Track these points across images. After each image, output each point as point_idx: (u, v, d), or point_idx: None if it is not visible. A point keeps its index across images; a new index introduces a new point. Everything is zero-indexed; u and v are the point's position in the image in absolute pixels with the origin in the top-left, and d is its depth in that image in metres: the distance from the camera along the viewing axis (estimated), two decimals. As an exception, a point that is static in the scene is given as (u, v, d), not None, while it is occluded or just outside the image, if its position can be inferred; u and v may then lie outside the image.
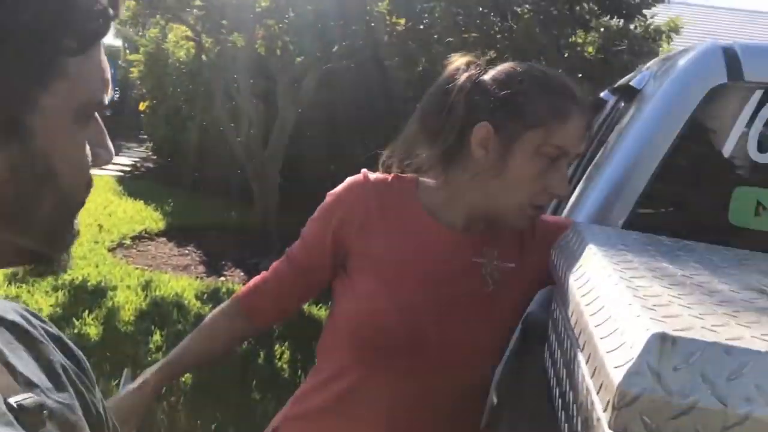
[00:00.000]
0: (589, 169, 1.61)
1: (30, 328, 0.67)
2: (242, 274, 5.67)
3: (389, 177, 1.27)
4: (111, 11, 0.55)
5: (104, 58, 0.58)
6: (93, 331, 4.02)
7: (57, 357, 0.68)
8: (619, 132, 1.55)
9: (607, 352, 0.60)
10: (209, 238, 6.75)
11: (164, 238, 6.68)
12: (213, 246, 6.53)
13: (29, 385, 0.61)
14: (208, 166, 8.97)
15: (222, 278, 5.66)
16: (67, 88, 0.53)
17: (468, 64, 1.21)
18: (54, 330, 0.72)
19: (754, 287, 0.77)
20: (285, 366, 3.97)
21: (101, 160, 0.60)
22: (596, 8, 5.90)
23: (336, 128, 7.12)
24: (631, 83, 1.73)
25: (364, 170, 1.27)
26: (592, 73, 5.96)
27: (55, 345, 0.70)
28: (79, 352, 0.73)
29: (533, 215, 1.19)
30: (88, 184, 0.60)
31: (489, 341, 1.20)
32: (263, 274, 1.34)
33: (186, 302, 4.74)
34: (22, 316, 0.68)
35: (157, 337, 4.03)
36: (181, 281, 5.23)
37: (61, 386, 0.66)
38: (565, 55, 5.78)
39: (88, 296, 4.57)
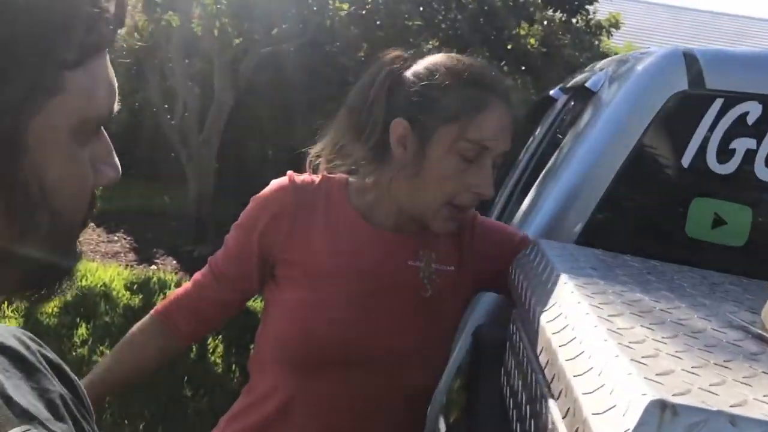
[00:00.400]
0: (543, 173, 1.56)
1: (28, 355, 0.65)
2: (175, 262, 5.47)
3: (317, 178, 1.20)
4: (114, 19, 0.51)
5: (110, 68, 0.53)
6: (13, 323, 3.80)
7: (55, 386, 0.65)
8: (574, 136, 1.50)
9: (594, 414, 0.52)
10: (140, 224, 6.48)
11: (91, 224, 6.40)
12: (144, 232, 6.28)
13: (26, 416, 0.59)
14: (139, 149, 8.64)
15: (153, 267, 5.45)
16: (64, 104, 0.49)
17: (394, 59, 1.15)
18: (53, 356, 0.69)
19: (736, 324, 0.71)
20: (218, 361, 3.84)
21: (106, 178, 0.56)
22: (540, 1, 5.91)
23: (275, 112, 6.96)
24: (586, 84, 1.68)
25: (289, 172, 1.20)
26: (534, 66, 5.98)
27: (53, 373, 0.67)
28: (77, 380, 0.70)
29: (455, 216, 1.12)
30: (90, 203, 0.56)
31: (427, 348, 1.15)
32: (185, 285, 1.26)
33: (115, 293, 4.52)
34: (21, 342, 0.65)
35: (82, 330, 3.84)
36: (110, 270, 5.00)
37: (60, 417, 0.63)
38: (509, 47, 5.77)
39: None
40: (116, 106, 0.55)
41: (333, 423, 1.15)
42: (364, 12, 5.68)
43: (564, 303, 0.72)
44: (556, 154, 1.56)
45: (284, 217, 1.16)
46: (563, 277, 0.79)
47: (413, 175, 1.10)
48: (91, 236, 6.04)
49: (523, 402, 0.80)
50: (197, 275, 1.24)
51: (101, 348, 3.65)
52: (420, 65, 1.13)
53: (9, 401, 0.59)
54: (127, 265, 5.36)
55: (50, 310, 4.01)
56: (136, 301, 4.45)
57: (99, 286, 4.57)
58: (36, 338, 0.69)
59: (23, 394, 0.61)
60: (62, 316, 3.99)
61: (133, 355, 1.22)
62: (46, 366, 0.67)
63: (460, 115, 1.07)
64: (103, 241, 5.98)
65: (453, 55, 1.16)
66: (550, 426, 0.64)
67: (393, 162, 1.12)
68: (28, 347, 0.66)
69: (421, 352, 1.14)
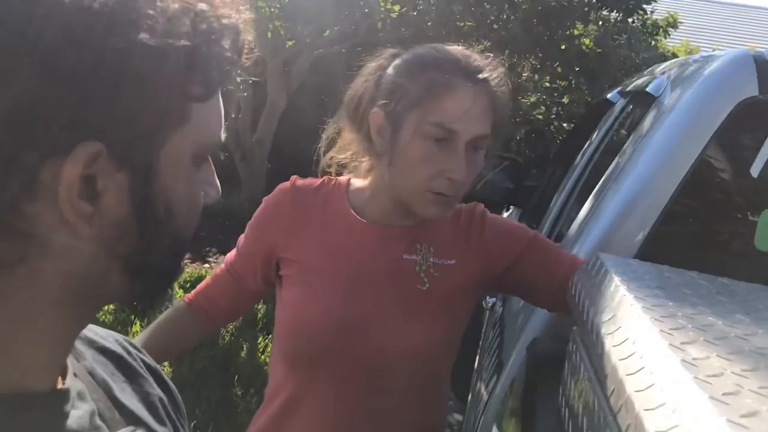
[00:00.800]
0: (602, 180, 1.50)
1: (130, 360, 0.69)
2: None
3: (318, 181, 1.24)
4: (236, 59, 0.56)
5: (221, 100, 0.59)
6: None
7: (155, 390, 0.69)
8: (635, 142, 1.44)
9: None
10: (194, 224, 6.58)
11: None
12: (197, 232, 6.28)
13: (133, 419, 0.63)
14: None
15: (206, 265, 5.53)
16: (189, 133, 0.54)
17: (391, 56, 1.15)
18: (151, 361, 0.73)
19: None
20: (268, 360, 3.86)
21: (210, 199, 0.61)
22: (596, 1, 5.78)
23: (326, 114, 6.97)
24: (646, 89, 1.62)
25: (293, 176, 1.25)
26: (589, 67, 5.85)
27: (153, 377, 0.71)
28: (173, 386, 0.74)
29: (438, 203, 1.10)
30: (197, 223, 0.61)
31: (424, 340, 1.14)
32: (208, 277, 1.33)
33: (169, 290, 4.60)
34: (123, 347, 0.69)
35: (137, 327, 3.90)
36: (163, 269, 5.08)
37: (161, 420, 0.67)
38: (563, 48, 5.66)
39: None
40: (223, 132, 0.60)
41: (339, 419, 1.16)
42: (415, 13, 5.65)
43: (631, 327, 0.68)
44: (615, 160, 1.50)
45: (284, 218, 1.19)
46: (629, 298, 0.75)
47: (390, 164, 1.10)
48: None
49: (585, 428, 0.77)
50: (217, 269, 1.32)
51: (155, 346, 3.71)
52: (401, 57, 1.14)
53: (117, 404, 0.62)
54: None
55: (106, 308, 4.10)
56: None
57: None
58: (135, 344, 0.73)
59: (128, 397, 0.65)
60: (118, 314, 4.07)
61: (167, 334, 1.27)
62: (146, 370, 0.70)
63: (422, 99, 1.06)
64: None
65: (437, 45, 1.15)
66: None
67: (376, 152, 1.14)
68: (129, 352, 0.70)
69: (423, 344, 1.13)
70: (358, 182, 1.21)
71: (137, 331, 3.86)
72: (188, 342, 1.36)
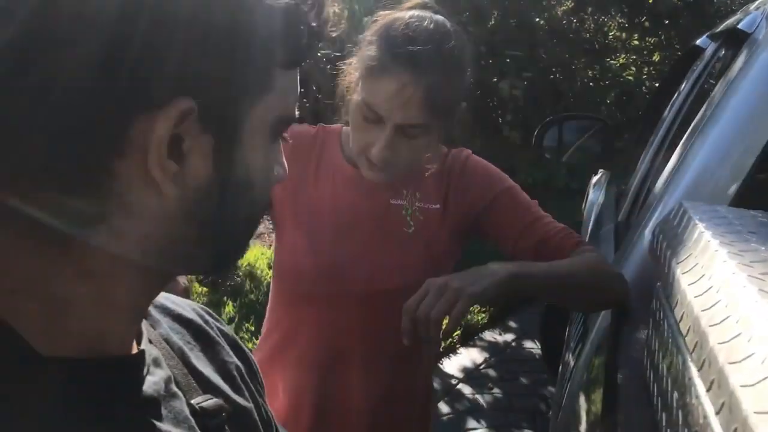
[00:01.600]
0: (690, 129, 1.39)
1: (207, 328, 0.69)
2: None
3: (314, 128, 1.29)
4: (318, 32, 0.55)
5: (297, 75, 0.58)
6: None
7: (232, 359, 0.69)
8: (726, 85, 1.32)
9: (757, 413, 0.41)
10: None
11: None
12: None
13: (209, 386, 0.63)
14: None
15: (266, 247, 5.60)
16: (273, 102, 0.53)
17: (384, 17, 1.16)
18: (229, 331, 0.73)
19: None
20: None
21: (278, 177, 0.60)
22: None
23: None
24: (738, 26, 1.48)
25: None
26: (681, 20, 5.53)
27: (230, 346, 0.71)
28: (251, 355, 0.74)
29: (371, 168, 1.15)
30: (268, 199, 0.60)
31: (412, 277, 1.15)
32: None
33: (259, 272, 4.69)
34: (200, 316, 0.69)
35: (229, 308, 4.00)
36: (254, 250, 5.19)
37: (238, 389, 0.67)
38: (650, 1, 5.37)
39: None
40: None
41: (332, 349, 1.25)
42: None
43: (715, 274, 0.60)
44: (704, 107, 1.38)
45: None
46: (714, 244, 0.66)
47: (346, 122, 1.19)
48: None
49: (669, 389, 0.69)
50: None
51: (246, 325, 3.79)
52: (377, 22, 1.15)
53: (194, 371, 0.62)
54: (270, 245, 5.55)
55: (200, 290, 4.22)
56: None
57: (244, 265, 4.75)
58: (213, 313, 0.72)
59: (204, 365, 0.64)
60: (211, 295, 4.19)
61: None
62: (223, 339, 0.70)
63: (362, 76, 1.11)
64: (267, 227, 6.22)
65: (411, 11, 1.14)
66: (701, 420, 0.53)
67: None
68: (206, 321, 0.70)
69: (409, 281, 1.14)
70: (346, 130, 1.25)
71: (230, 312, 3.95)
72: None
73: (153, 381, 0.54)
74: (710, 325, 0.55)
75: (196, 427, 0.56)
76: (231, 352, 0.70)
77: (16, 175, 0.44)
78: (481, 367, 3.86)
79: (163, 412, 0.54)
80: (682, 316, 0.65)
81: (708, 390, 0.52)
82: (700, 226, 0.74)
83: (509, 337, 4.24)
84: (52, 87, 0.42)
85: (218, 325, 0.72)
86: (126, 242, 0.49)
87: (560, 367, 2.02)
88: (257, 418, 0.68)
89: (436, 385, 3.58)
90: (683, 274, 0.69)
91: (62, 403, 0.46)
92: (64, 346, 0.48)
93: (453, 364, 3.81)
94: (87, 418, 0.47)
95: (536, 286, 1.12)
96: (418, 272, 1.16)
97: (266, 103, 0.52)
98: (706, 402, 0.53)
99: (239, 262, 4.79)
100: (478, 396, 3.52)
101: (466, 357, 3.91)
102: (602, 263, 1.19)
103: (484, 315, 4.40)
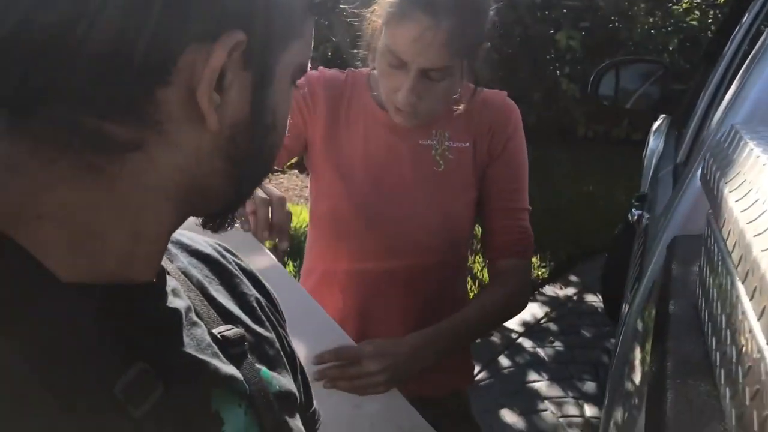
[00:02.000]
0: (749, 58, 1.32)
1: (225, 263, 0.69)
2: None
3: (343, 73, 1.33)
4: None
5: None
6: (229, 264, 4.12)
7: (251, 291, 0.69)
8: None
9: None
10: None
11: (296, 171, 6.76)
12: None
13: (229, 317, 0.63)
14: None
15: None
16: (300, 47, 0.53)
17: None
18: (246, 265, 0.73)
19: None
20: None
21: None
22: None
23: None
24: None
25: (320, 67, 1.33)
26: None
27: (249, 280, 0.71)
28: (271, 288, 0.74)
29: (398, 113, 1.19)
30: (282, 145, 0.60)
31: (443, 220, 1.27)
32: None
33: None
34: (217, 251, 0.70)
35: (290, 268, 4.08)
36: (313, 212, 5.26)
37: (258, 320, 0.67)
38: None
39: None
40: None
41: (369, 286, 1.31)
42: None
43: (762, 186, 0.58)
44: (764, 35, 1.32)
45: (312, 108, 1.29)
46: (762, 158, 0.64)
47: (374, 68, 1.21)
48: (295, 182, 6.40)
49: (718, 311, 0.68)
50: None
51: (307, 284, 3.86)
52: None
53: (213, 303, 0.63)
54: (328, 208, 5.61)
55: (260, 251, 4.31)
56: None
57: (304, 226, 4.83)
58: (231, 249, 0.72)
59: (224, 298, 0.65)
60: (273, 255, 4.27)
61: None
62: (241, 273, 0.71)
63: (385, 23, 1.13)
64: (306, 186, 6.29)
65: None
66: (755, 354, 0.52)
67: None
68: (223, 256, 0.70)
69: (440, 217, 1.25)
70: (374, 73, 1.27)
71: (291, 272, 4.03)
72: None
73: (172, 309, 0.54)
74: (755, 235, 0.53)
75: (220, 354, 0.56)
76: (250, 285, 0.70)
77: (60, 95, 0.44)
78: (542, 321, 3.84)
79: (185, 339, 0.54)
80: (728, 233, 0.63)
81: (751, 298, 0.51)
82: (751, 144, 0.71)
83: (570, 291, 4.20)
84: (107, 7, 0.42)
85: (236, 260, 0.72)
86: (160, 173, 0.49)
87: (619, 319, 1.99)
88: (279, 347, 0.68)
89: (496, 339, 3.58)
90: (731, 192, 0.66)
91: (80, 327, 0.46)
92: (86, 273, 0.48)
93: (513, 319, 3.80)
94: (105, 342, 0.47)
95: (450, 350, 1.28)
96: (450, 206, 1.25)
97: (294, 49, 0.53)
98: (749, 310, 0.51)
99: (298, 224, 4.87)
100: (539, 349, 3.51)
101: (527, 311, 3.90)
102: (510, 296, 1.34)
103: (544, 270, 4.37)
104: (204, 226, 0.58)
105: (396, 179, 1.27)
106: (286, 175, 6.64)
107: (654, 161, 2.65)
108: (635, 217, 2.16)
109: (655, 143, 3.07)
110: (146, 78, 0.45)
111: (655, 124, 3.38)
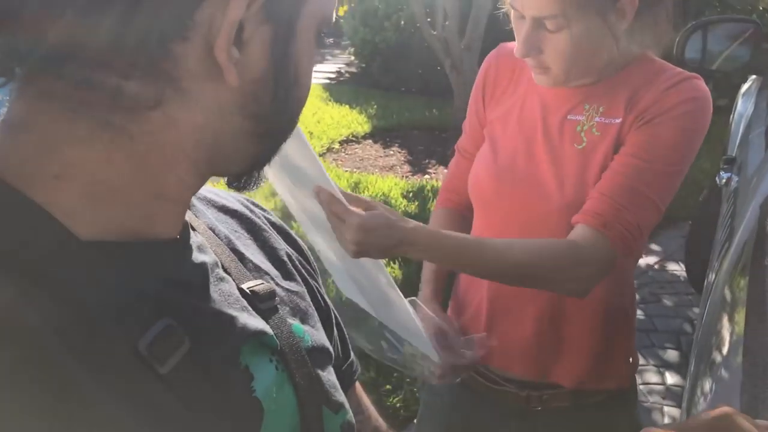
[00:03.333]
0: None
1: (253, 217, 0.68)
2: (446, 170, 5.61)
3: (514, 44, 1.26)
4: None
5: None
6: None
7: (281, 245, 0.68)
8: None
9: None
10: (413, 138, 6.77)
11: (370, 140, 6.81)
12: (417, 145, 6.54)
13: (258, 271, 0.62)
14: (408, 65, 8.90)
15: (426, 176, 5.67)
16: (321, 1, 0.52)
17: None
18: (276, 219, 0.72)
19: None
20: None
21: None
22: None
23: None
24: None
25: (501, 43, 1.32)
26: None
27: (278, 234, 0.70)
28: (301, 242, 0.73)
29: (536, 70, 1.17)
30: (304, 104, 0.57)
31: (574, 194, 1.16)
32: (446, 176, 1.44)
33: (393, 201, 4.80)
34: (245, 206, 0.68)
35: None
36: (388, 181, 5.31)
37: (288, 274, 0.66)
38: None
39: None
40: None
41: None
42: None
43: None
44: None
45: (489, 83, 1.30)
46: None
47: None
48: (369, 152, 6.45)
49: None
50: (451, 161, 1.42)
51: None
52: None
53: (242, 257, 0.61)
54: (402, 176, 5.64)
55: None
56: (413, 207, 4.69)
57: (379, 195, 4.88)
58: (259, 204, 0.71)
59: (252, 252, 0.64)
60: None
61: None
62: (270, 227, 0.70)
63: None
64: (381, 156, 6.34)
65: None
66: None
67: None
68: (252, 210, 0.69)
69: (572, 198, 1.16)
70: None
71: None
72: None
73: (197, 264, 0.53)
74: None
75: (249, 308, 0.56)
76: (280, 239, 0.69)
77: (76, 52, 0.43)
78: (622, 289, 3.78)
79: (212, 294, 0.53)
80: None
81: None
82: None
83: (652, 259, 4.11)
84: None
85: (265, 214, 0.71)
86: (179, 131, 0.48)
87: (704, 287, 1.96)
88: (310, 300, 0.67)
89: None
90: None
91: (102, 285, 0.46)
92: (107, 231, 0.47)
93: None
94: (129, 299, 0.46)
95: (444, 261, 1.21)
96: (584, 187, 1.14)
97: (316, 3, 0.51)
98: None
99: (375, 193, 4.92)
100: (618, 317, 3.47)
101: (606, 279, 3.85)
102: (558, 259, 1.12)
103: (623, 238, 4.29)
104: (229, 185, 0.57)
105: (536, 154, 1.21)
106: (360, 144, 6.70)
107: (743, 124, 2.56)
108: (723, 180, 2.11)
109: (743, 106, 2.96)
110: (164, 32, 0.44)
111: (744, 87, 3.25)
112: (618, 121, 1.14)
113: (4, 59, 0.45)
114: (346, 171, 5.68)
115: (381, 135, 6.90)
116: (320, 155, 6.12)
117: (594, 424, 1.30)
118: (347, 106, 8.01)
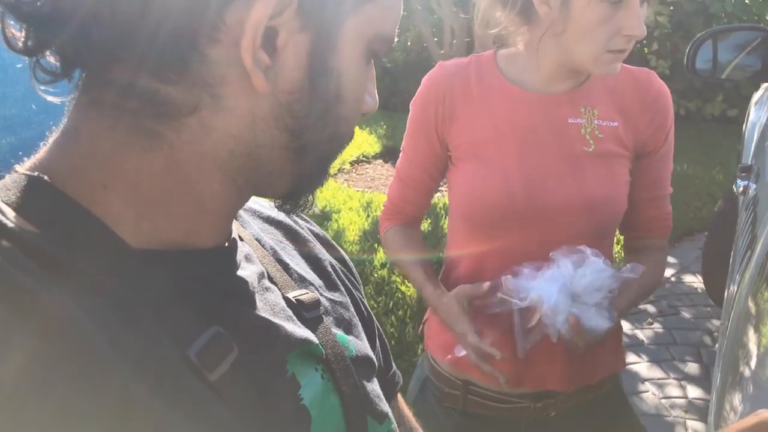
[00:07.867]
0: None
1: (297, 228, 0.68)
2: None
3: (465, 59, 1.27)
4: None
5: None
6: (322, 252, 4.20)
7: (325, 256, 0.68)
8: None
9: None
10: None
11: (380, 160, 6.83)
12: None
13: (303, 281, 0.62)
14: (417, 85, 8.92)
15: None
16: (372, 16, 0.50)
17: None
18: (319, 230, 0.72)
19: None
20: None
21: (368, 107, 0.56)
22: None
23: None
24: None
25: (439, 62, 1.28)
26: None
27: (322, 244, 0.70)
28: (344, 253, 0.73)
29: (615, 60, 1.13)
30: (355, 125, 0.55)
31: (591, 195, 1.18)
32: (386, 199, 1.39)
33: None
34: (289, 217, 0.69)
35: (380, 254, 4.13)
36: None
37: (332, 284, 0.66)
38: None
39: (316, 220, 4.78)
40: (395, 39, 0.54)
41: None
42: None
43: None
44: None
45: (440, 101, 1.23)
46: None
47: (563, 31, 1.11)
48: (380, 171, 6.47)
49: None
50: (390, 189, 1.38)
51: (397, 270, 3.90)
52: None
53: (287, 267, 0.62)
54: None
55: (351, 238, 4.38)
56: (425, 225, 4.68)
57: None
58: (302, 215, 0.71)
59: (297, 263, 0.64)
60: (362, 243, 4.34)
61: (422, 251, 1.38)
62: (314, 237, 0.70)
63: None
64: (391, 175, 6.29)
65: None
66: None
67: (540, 22, 1.14)
68: (295, 221, 0.70)
69: (590, 198, 1.17)
70: (504, 52, 1.24)
71: (381, 258, 4.08)
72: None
73: (245, 274, 0.53)
74: None
75: (294, 317, 0.56)
76: (324, 250, 0.69)
77: (116, 55, 0.44)
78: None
79: (258, 303, 0.53)
80: None
81: None
82: None
83: (668, 272, 4.08)
84: None
85: (309, 225, 0.71)
86: (215, 141, 0.47)
87: (725, 298, 1.93)
88: (354, 311, 0.67)
89: (591, 321, 3.52)
90: None
91: (151, 291, 0.46)
92: (152, 240, 0.48)
93: (608, 301, 3.73)
94: (178, 307, 0.47)
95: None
96: (600, 187, 1.19)
97: (366, 15, 0.50)
98: None
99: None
100: (637, 331, 3.43)
101: (622, 293, 3.82)
102: (661, 269, 1.35)
103: (638, 251, 4.26)
104: (279, 208, 0.57)
105: (546, 159, 1.19)
106: (371, 164, 6.72)
107: (757, 132, 2.54)
108: (741, 188, 2.09)
109: (756, 114, 2.95)
110: (195, 35, 0.44)
111: (756, 95, 3.24)
112: (615, 124, 1.20)
113: (65, 62, 0.46)
114: (358, 191, 5.69)
115: (391, 155, 6.91)
116: (332, 176, 6.14)
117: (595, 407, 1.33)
118: (357, 127, 8.00)
